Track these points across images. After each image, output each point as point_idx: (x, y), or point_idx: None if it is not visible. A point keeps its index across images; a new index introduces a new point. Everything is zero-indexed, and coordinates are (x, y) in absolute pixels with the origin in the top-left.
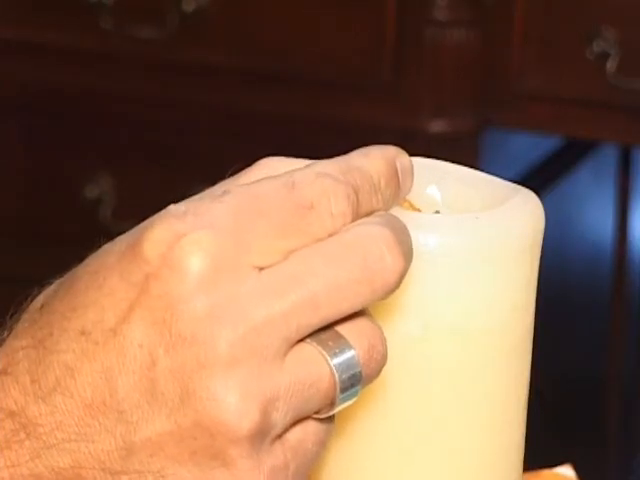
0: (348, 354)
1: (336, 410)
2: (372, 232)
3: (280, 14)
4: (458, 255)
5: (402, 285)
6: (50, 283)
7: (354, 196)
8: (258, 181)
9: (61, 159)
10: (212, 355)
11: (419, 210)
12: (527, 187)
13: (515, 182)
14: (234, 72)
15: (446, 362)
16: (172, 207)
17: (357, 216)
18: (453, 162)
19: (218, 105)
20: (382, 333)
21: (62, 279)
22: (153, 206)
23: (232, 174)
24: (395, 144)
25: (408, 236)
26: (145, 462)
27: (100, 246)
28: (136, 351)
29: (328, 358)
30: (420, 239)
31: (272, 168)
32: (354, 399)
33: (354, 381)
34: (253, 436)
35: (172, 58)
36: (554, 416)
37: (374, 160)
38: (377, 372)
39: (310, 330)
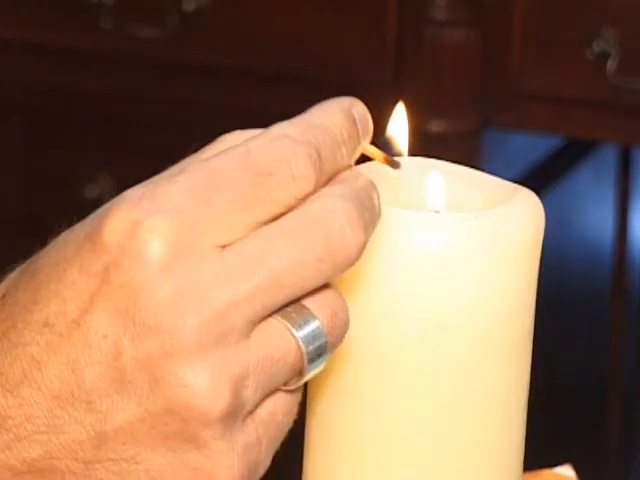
0: (313, 325)
1: (305, 380)
2: (334, 206)
3: (280, 14)
4: (458, 255)
5: (402, 285)
6: (12, 270)
7: (316, 155)
8: (214, 156)
9: (61, 159)
10: (177, 342)
11: (384, 154)
12: (527, 187)
13: (515, 182)
14: (234, 72)
15: (445, 362)
16: (129, 192)
17: (322, 174)
18: (453, 162)
19: (218, 105)
20: (344, 300)
21: (23, 266)
22: None
23: (194, 151)
24: None
25: (372, 207)
26: (118, 450)
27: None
28: (101, 342)
29: (293, 331)
30: (420, 239)
31: (233, 142)
32: (322, 367)
33: (320, 351)
34: (225, 417)
35: (172, 58)
36: (554, 416)
37: (332, 114)
38: (340, 339)
39: (274, 308)
